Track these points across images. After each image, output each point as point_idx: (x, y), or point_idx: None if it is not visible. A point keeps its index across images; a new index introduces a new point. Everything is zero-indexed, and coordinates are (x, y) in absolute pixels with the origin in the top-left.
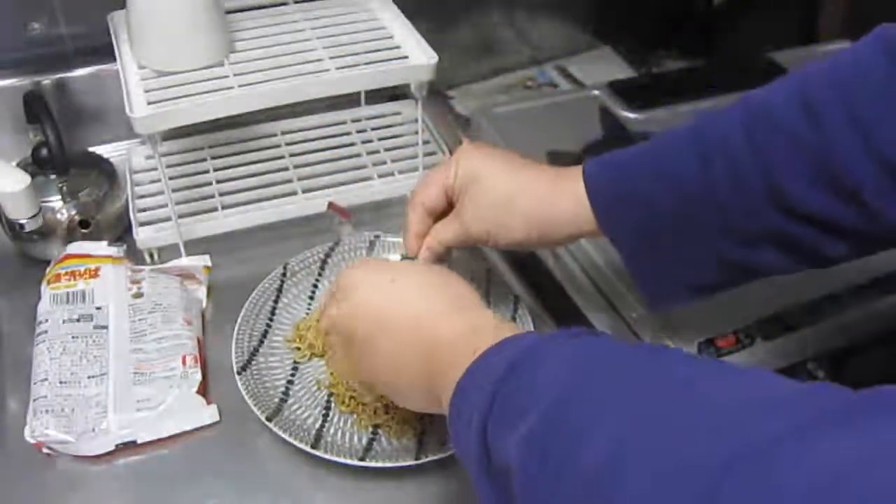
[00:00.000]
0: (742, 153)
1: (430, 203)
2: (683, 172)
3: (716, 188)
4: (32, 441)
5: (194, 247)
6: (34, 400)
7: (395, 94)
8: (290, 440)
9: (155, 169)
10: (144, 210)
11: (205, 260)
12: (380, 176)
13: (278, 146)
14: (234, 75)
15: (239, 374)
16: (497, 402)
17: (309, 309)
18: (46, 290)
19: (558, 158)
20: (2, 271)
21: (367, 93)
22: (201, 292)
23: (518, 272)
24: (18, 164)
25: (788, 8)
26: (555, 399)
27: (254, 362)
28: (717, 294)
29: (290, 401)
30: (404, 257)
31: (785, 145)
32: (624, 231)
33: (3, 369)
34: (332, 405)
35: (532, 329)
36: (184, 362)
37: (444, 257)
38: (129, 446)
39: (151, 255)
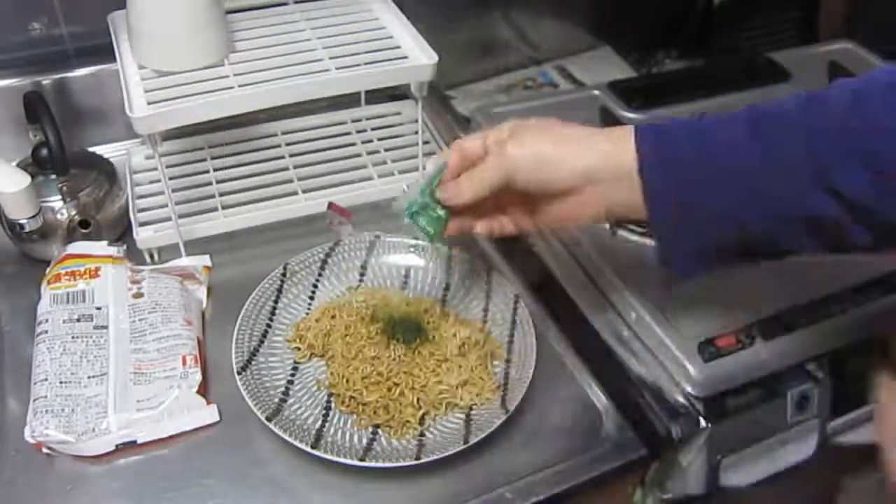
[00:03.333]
0: (793, 131)
1: (468, 148)
2: (733, 142)
3: (761, 159)
4: (32, 441)
5: (194, 247)
6: (34, 400)
7: (395, 94)
8: (290, 440)
9: (155, 169)
10: (144, 210)
11: (205, 260)
12: (380, 176)
13: (278, 146)
14: (234, 75)
15: (239, 374)
16: None
17: (309, 309)
18: (46, 290)
19: None
20: (2, 271)
21: (367, 93)
22: (201, 292)
23: (518, 272)
24: (18, 164)
25: (788, 8)
26: None
27: (254, 362)
28: (722, 269)
29: (290, 401)
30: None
31: (833, 126)
32: (662, 189)
33: (3, 369)
34: (332, 405)
35: (532, 329)
36: (184, 362)
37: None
38: (129, 446)
39: (151, 255)
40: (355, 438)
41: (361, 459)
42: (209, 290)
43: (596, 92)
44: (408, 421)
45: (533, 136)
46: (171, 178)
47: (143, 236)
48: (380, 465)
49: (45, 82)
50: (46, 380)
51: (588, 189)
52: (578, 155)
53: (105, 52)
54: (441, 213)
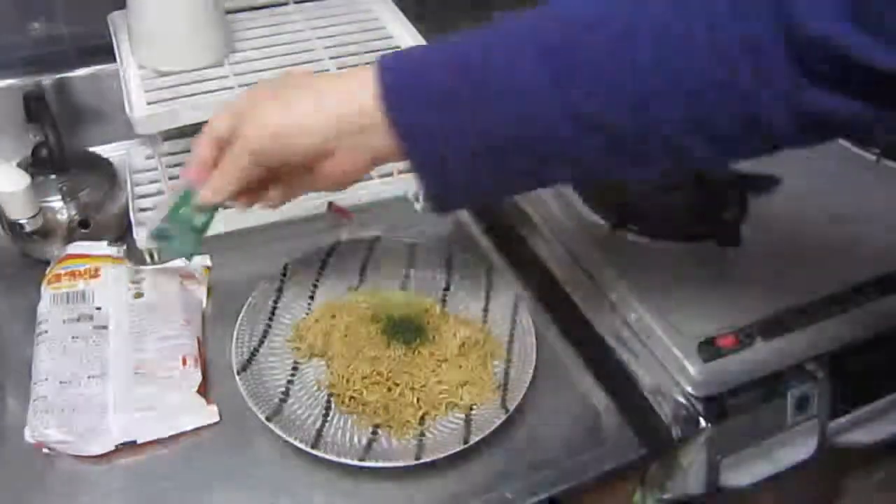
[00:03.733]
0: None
1: (219, 129)
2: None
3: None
4: (32, 441)
5: None
6: (34, 400)
7: None
8: (290, 440)
9: (155, 169)
10: (144, 210)
11: (205, 260)
12: (380, 176)
13: None
14: (234, 75)
15: (239, 374)
16: None
17: (309, 309)
18: (46, 290)
19: None
20: (2, 271)
21: None
22: (201, 292)
23: (518, 272)
24: (18, 164)
25: None
26: None
27: (254, 362)
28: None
29: (290, 401)
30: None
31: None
32: (414, 124)
33: (3, 369)
34: (332, 405)
35: (532, 329)
36: (184, 362)
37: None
38: (129, 446)
39: (151, 255)
40: (355, 438)
41: (361, 459)
42: (209, 290)
43: None
44: (408, 421)
45: (266, 108)
46: (171, 178)
47: (144, 236)
48: (380, 464)
49: (45, 82)
50: (46, 380)
51: (339, 149)
52: (313, 120)
53: (105, 52)
54: (200, 222)
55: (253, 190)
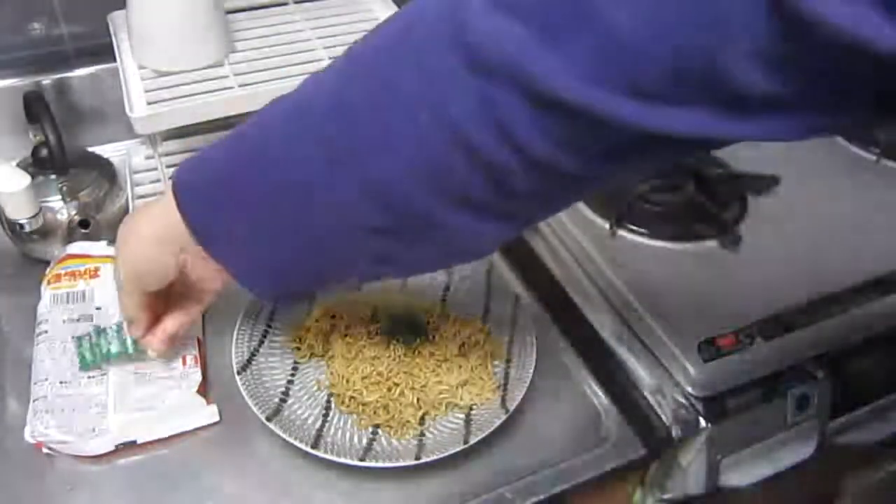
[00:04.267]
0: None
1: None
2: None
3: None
4: (32, 441)
5: None
6: (34, 400)
7: None
8: (290, 440)
9: (155, 169)
10: None
11: None
12: None
13: None
14: (234, 75)
15: (239, 374)
16: None
17: (309, 309)
18: (46, 290)
19: None
20: (2, 271)
21: None
22: None
23: (518, 272)
24: (18, 164)
25: None
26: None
27: (254, 362)
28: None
29: (290, 401)
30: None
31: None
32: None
33: (3, 369)
34: (332, 405)
35: (532, 329)
36: (184, 362)
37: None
38: (129, 446)
39: None
40: (355, 438)
41: (361, 459)
42: None
43: None
44: (408, 421)
45: (117, 259)
46: (170, 179)
47: None
48: (380, 465)
49: (45, 82)
50: (46, 380)
51: (187, 259)
52: (140, 251)
53: (105, 52)
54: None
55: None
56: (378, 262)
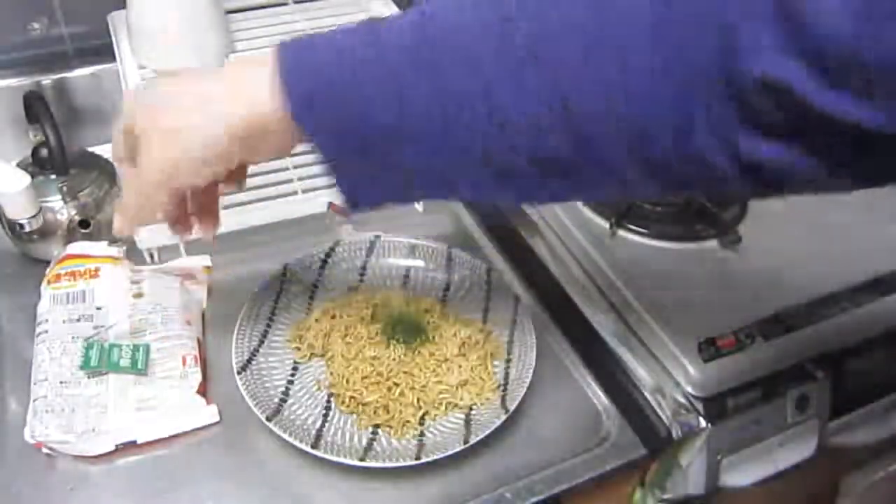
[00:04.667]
0: None
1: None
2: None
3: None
4: (32, 441)
5: (194, 247)
6: (34, 400)
7: None
8: (290, 440)
9: None
10: None
11: (205, 260)
12: None
13: None
14: None
15: (239, 374)
16: None
17: (309, 309)
18: (46, 290)
19: None
20: (2, 271)
21: None
22: (201, 292)
23: (518, 272)
24: (18, 164)
25: None
26: None
27: (254, 362)
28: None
29: (290, 401)
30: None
31: None
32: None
33: (3, 369)
34: (332, 405)
35: (532, 329)
36: (184, 362)
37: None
38: (129, 446)
39: (151, 255)
40: (355, 438)
41: (361, 459)
42: (209, 290)
43: None
44: (408, 421)
45: (152, 141)
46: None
47: (143, 236)
48: (380, 465)
49: (45, 82)
50: (46, 380)
51: (244, 156)
52: (208, 141)
53: (105, 52)
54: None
55: (181, 217)
56: (500, 187)
